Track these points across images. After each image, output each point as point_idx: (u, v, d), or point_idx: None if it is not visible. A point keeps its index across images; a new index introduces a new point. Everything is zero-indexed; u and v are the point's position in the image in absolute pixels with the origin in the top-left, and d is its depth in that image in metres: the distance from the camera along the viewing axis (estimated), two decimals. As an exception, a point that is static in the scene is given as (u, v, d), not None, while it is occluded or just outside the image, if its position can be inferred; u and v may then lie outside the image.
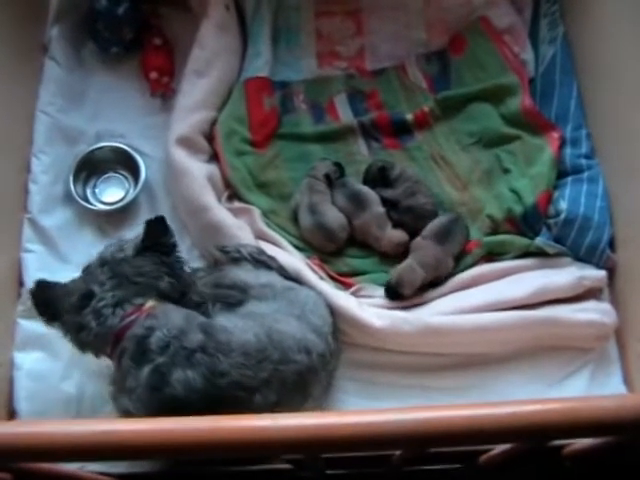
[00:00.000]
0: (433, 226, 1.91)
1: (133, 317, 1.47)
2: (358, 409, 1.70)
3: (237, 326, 1.51)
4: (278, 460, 1.43)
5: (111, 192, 2.07)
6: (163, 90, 2.17)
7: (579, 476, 1.54)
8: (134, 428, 0.86)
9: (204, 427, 0.87)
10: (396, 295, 1.81)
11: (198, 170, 1.93)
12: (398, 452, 1.22)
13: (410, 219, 1.96)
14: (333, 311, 1.73)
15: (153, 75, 2.16)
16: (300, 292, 1.71)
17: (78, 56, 2.23)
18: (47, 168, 2.04)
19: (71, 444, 0.85)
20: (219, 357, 1.42)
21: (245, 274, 1.72)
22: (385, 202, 2.00)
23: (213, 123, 2.07)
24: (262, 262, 1.77)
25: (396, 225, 1.96)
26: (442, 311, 1.80)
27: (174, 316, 1.49)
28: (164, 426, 0.87)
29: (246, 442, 0.86)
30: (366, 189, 1.99)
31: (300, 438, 0.85)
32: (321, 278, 1.83)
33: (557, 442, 1.26)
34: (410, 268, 1.83)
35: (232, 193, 2.01)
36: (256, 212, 1.95)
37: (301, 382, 1.53)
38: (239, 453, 0.90)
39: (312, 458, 1.11)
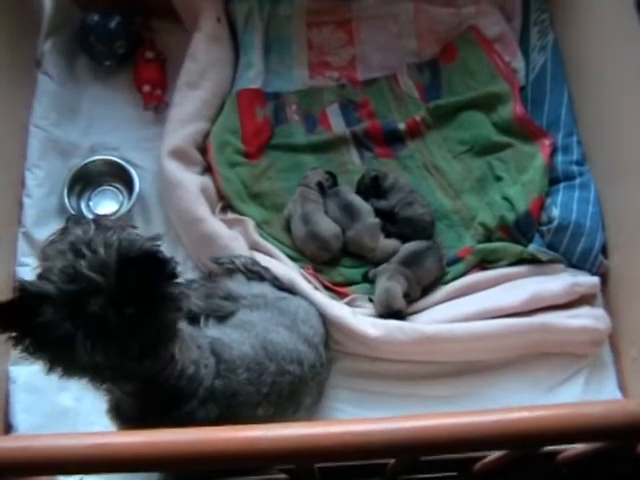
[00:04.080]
0: (401, 253, 1.92)
1: None
2: (352, 418, 1.71)
3: (233, 339, 1.48)
4: (273, 470, 1.43)
5: (105, 205, 2.08)
6: (156, 103, 2.18)
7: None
8: (126, 441, 0.87)
9: (197, 439, 0.87)
10: (394, 316, 1.80)
11: (191, 182, 1.93)
12: (391, 461, 1.21)
13: (409, 231, 1.96)
14: (327, 321, 1.74)
15: (146, 88, 2.17)
16: (291, 302, 1.71)
17: (71, 70, 2.24)
18: (41, 182, 2.04)
19: (62, 458, 0.85)
20: (230, 377, 1.38)
21: (237, 286, 1.72)
22: (381, 214, 2.01)
23: (206, 135, 2.07)
24: (256, 273, 1.78)
25: (392, 236, 1.97)
26: (436, 319, 1.81)
27: (190, 346, 1.31)
28: (157, 439, 0.87)
29: (239, 453, 0.86)
30: (358, 200, 2.00)
31: (292, 448, 0.86)
32: (315, 288, 1.83)
33: (550, 448, 1.26)
34: (384, 290, 1.82)
35: (226, 204, 2.02)
36: (250, 223, 1.95)
37: (293, 393, 1.53)
38: (232, 464, 0.91)
39: (305, 468, 1.11)
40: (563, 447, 1.33)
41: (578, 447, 1.27)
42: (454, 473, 1.49)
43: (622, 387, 1.80)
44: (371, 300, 1.86)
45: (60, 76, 2.20)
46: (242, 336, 1.50)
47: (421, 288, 1.88)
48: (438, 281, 1.91)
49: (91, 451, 0.86)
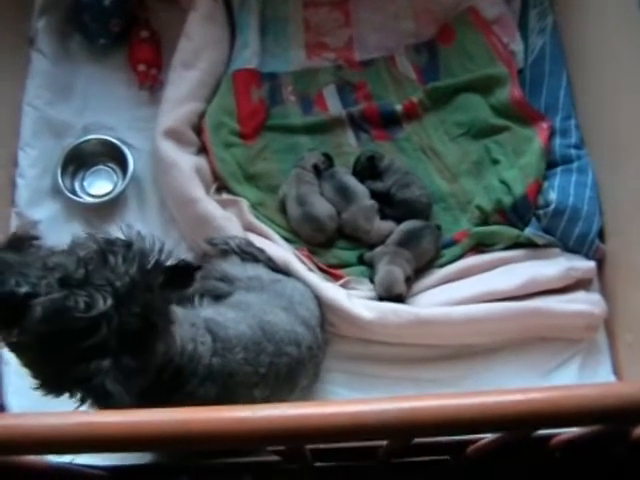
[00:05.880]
0: (396, 234, 1.91)
1: None
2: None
3: (229, 318, 1.47)
4: (265, 452, 1.42)
5: (99, 185, 2.06)
6: (151, 82, 2.16)
7: (569, 467, 1.54)
8: (113, 420, 0.86)
9: (183, 419, 0.86)
10: (394, 300, 1.79)
11: (186, 162, 1.92)
12: (384, 443, 1.21)
13: (406, 213, 1.95)
14: (322, 303, 1.73)
15: (141, 67, 2.15)
16: (287, 284, 1.70)
17: (65, 48, 2.21)
18: (34, 161, 2.03)
19: (48, 437, 0.84)
20: (227, 356, 1.37)
21: (232, 267, 1.71)
22: (377, 196, 1.99)
23: (201, 115, 2.06)
24: (250, 254, 1.76)
25: (389, 219, 1.96)
26: (432, 303, 1.81)
27: (183, 324, 1.32)
28: (144, 418, 0.86)
29: (226, 434, 0.85)
30: (354, 181, 1.99)
31: (280, 429, 0.85)
32: (310, 269, 1.82)
33: (544, 432, 1.25)
34: (386, 273, 1.81)
35: (220, 185, 2.00)
36: (244, 204, 1.94)
37: (290, 374, 1.53)
38: (220, 445, 0.89)
39: (296, 449, 1.10)
40: (557, 431, 1.33)
41: (572, 431, 1.27)
42: (446, 456, 1.49)
43: (617, 372, 1.79)
44: (372, 281, 1.85)
45: (54, 54, 2.17)
46: (238, 316, 1.49)
47: (416, 268, 1.87)
48: (433, 262, 1.91)
49: (77, 430, 0.86)
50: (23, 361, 1.10)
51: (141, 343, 1.11)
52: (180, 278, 1.18)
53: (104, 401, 1.03)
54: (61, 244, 1.39)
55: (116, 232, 1.17)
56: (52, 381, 1.08)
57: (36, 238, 1.20)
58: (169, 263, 1.15)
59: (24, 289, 1.04)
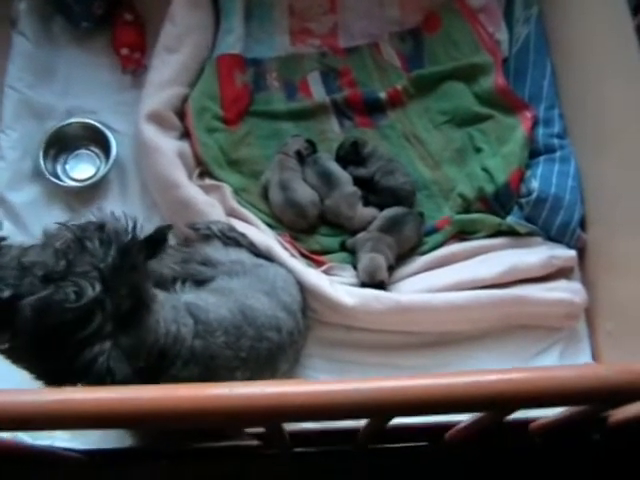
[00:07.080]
0: (379, 220, 1.90)
1: None
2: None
3: (209, 302, 1.47)
4: (246, 437, 1.42)
5: (82, 169, 2.04)
6: (134, 66, 2.14)
7: (550, 453, 1.55)
8: (89, 397, 0.85)
9: (161, 396, 0.85)
10: (376, 286, 1.79)
11: (168, 147, 1.91)
12: (362, 427, 1.21)
13: (391, 201, 1.95)
14: (304, 289, 1.73)
15: (124, 51, 2.13)
16: (269, 269, 1.70)
17: (47, 31, 2.19)
18: (15, 144, 2.01)
19: (25, 413, 0.84)
20: (208, 339, 1.37)
21: (215, 252, 1.70)
22: (360, 182, 1.99)
23: (184, 100, 2.04)
24: (232, 239, 1.76)
25: (372, 206, 1.96)
26: (413, 290, 1.80)
27: (167, 308, 1.34)
28: (120, 395, 0.86)
29: (202, 411, 0.84)
30: (337, 168, 1.99)
31: (257, 406, 0.84)
32: (292, 255, 1.82)
33: (523, 416, 1.26)
34: (370, 259, 1.81)
35: (203, 170, 1.99)
36: (227, 189, 1.93)
37: (271, 359, 1.53)
38: (197, 422, 0.89)
39: (275, 431, 1.10)
40: (535, 414, 1.33)
41: (550, 414, 1.28)
42: (425, 443, 1.49)
43: (596, 361, 1.79)
44: (355, 267, 1.85)
45: (36, 37, 2.15)
46: (220, 300, 1.50)
47: (398, 255, 1.87)
48: (415, 249, 1.91)
49: (54, 407, 0.85)
50: (21, 365, 1.09)
51: (134, 321, 1.13)
52: (155, 245, 1.20)
53: (111, 381, 1.04)
54: (36, 234, 1.41)
55: (89, 217, 1.17)
56: (56, 376, 1.07)
57: (3, 239, 1.18)
58: (144, 236, 1.17)
59: (7, 293, 1.03)
